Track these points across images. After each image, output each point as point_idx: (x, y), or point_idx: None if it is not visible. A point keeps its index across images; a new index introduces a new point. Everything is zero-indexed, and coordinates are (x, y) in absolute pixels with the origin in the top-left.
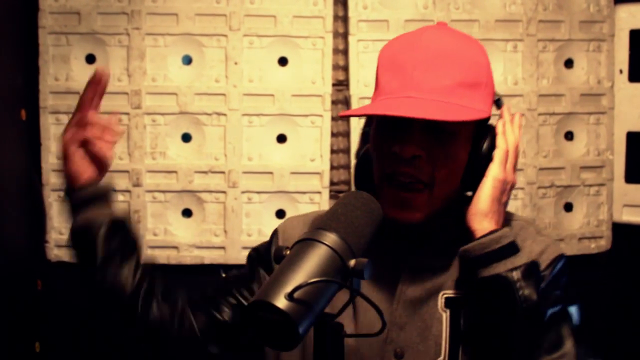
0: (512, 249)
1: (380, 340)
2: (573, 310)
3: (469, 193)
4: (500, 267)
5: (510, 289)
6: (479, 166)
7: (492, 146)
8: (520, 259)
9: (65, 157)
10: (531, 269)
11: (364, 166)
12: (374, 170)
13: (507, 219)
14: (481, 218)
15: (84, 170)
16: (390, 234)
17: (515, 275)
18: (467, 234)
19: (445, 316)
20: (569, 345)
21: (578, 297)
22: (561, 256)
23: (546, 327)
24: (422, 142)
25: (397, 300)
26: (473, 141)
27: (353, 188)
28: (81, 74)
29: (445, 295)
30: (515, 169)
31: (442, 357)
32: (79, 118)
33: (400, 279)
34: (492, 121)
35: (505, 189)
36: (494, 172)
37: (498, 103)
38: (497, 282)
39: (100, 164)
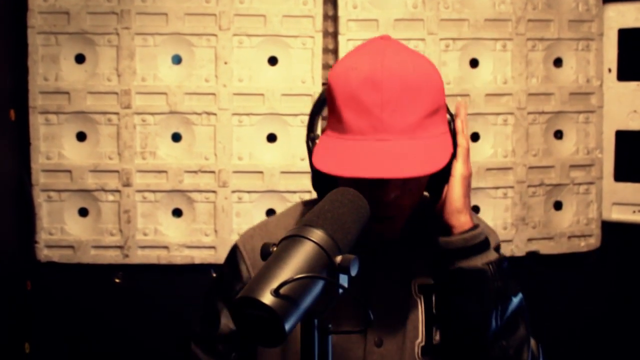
0: (486, 244)
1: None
2: None
3: (426, 193)
4: (477, 261)
5: (486, 281)
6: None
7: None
8: (493, 255)
9: None
10: (502, 264)
11: (321, 176)
12: None
13: None
14: (458, 215)
15: None
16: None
17: (492, 268)
18: (442, 228)
19: (419, 301)
20: (522, 330)
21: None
22: (499, 243)
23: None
24: (397, 180)
25: (373, 297)
26: None
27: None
28: (71, 74)
29: (418, 283)
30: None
31: (419, 339)
32: None
33: (375, 278)
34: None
35: (470, 183)
36: (461, 171)
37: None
38: (474, 274)
39: None
